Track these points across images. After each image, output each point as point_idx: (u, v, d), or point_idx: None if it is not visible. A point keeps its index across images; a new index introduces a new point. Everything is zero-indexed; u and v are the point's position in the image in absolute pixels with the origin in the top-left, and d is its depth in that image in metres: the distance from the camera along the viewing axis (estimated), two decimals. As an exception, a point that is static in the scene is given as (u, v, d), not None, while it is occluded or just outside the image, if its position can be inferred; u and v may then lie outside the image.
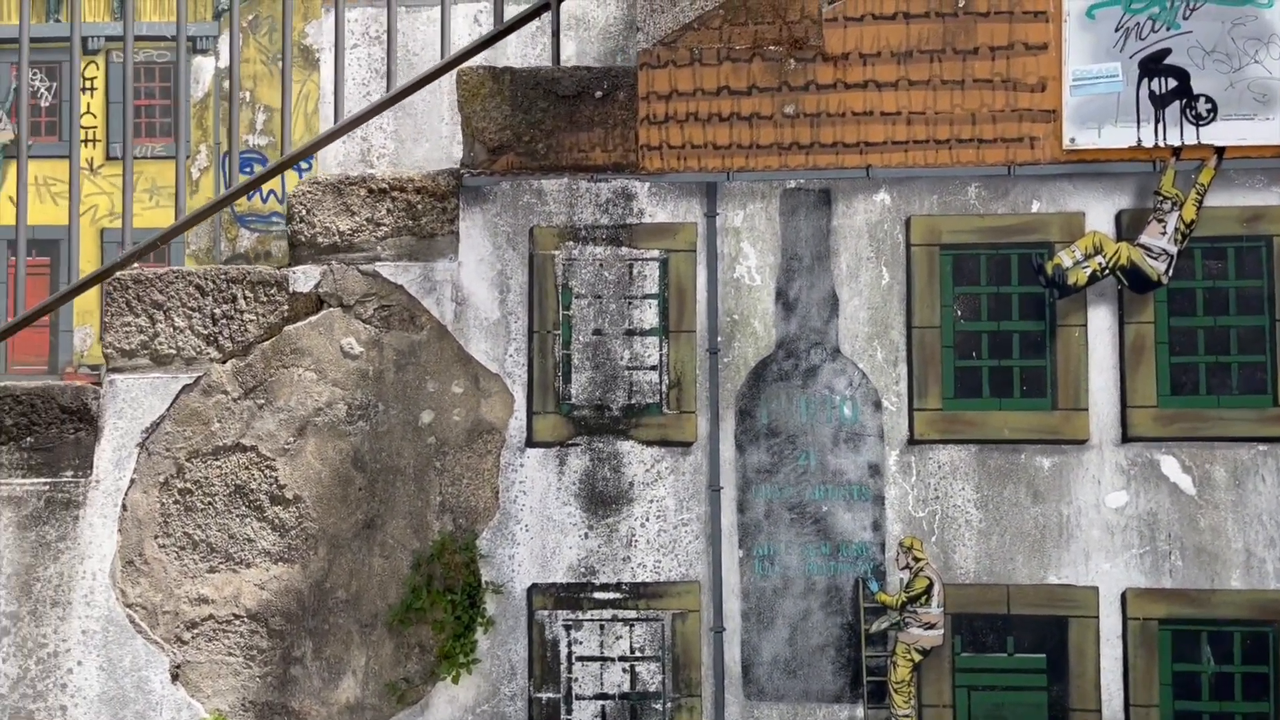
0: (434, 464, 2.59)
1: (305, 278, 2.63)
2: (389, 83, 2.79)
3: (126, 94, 2.72)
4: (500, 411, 2.59)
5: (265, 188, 5.48)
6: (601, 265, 2.59)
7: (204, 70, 5.26)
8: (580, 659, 2.54)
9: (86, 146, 5.42)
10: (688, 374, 2.56)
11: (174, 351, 2.63)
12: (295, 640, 2.58)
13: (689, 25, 2.58)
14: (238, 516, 2.60)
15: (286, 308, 2.63)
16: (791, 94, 2.56)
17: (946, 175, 2.54)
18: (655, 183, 2.59)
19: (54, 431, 2.62)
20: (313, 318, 2.63)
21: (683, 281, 2.58)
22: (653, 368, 2.57)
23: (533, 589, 2.56)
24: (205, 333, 2.63)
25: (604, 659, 2.54)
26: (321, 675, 2.57)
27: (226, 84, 5.26)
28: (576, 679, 2.53)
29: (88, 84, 5.86)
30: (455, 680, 2.50)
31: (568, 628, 2.54)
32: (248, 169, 5.13)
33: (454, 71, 2.73)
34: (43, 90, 5.63)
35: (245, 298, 2.63)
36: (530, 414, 2.58)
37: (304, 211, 2.63)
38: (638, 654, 2.53)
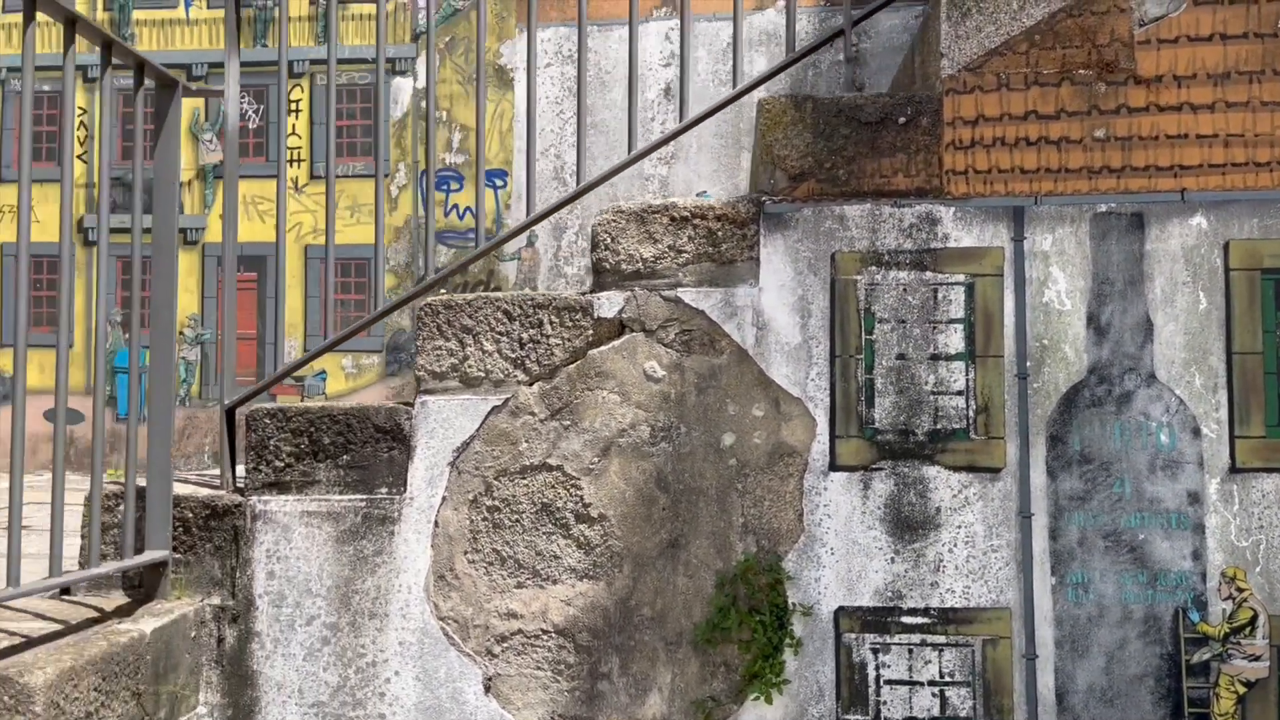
0: (735, 486, 2.64)
1: (609, 304, 2.70)
2: (681, 111, 2.85)
3: (380, 118, 2.82)
4: (801, 435, 2.63)
5: (462, 205, 5.63)
6: (905, 290, 2.61)
7: (402, 91, 5.44)
8: (888, 682, 2.56)
9: (292, 166, 5.67)
10: (995, 399, 2.57)
11: (483, 374, 2.73)
12: (602, 656, 2.66)
13: (995, 51, 2.58)
14: (544, 534, 2.69)
15: (591, 332, 2.71)
16: (1101, 118, 2.55)
17: (1268, 198, 2.50)
18: (960, 207, 2.60)
19: (369, 450, 2.74)
20: (615, 342, 2.70)
21: (989, 306, 2.58)
22: (959, 393, 2.58)
23: (839, 612, 2.58)
24: (513, 356, 2.72)
25: (913, 683, 2.55)
26: (628, 691, 2.64)
27: (424, 104, 5.45)
28: (885, 702, 2.55)
29: (293, 106, 6.12)
30: (769, 700, 2.55)
31: (875, 651, 2.56)
32: (444, 186, 5.28)
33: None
34: (250, 113, 5.89)
35: (551, 323, 2.71)
36: (833, 438, 2.61)
37: (608, 239, 2.71)
38: (947, 679, 2.54)
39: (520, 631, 2.68)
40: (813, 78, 4.85)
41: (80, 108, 5.64)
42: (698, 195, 5.48)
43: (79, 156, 5.70)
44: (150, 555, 2.65)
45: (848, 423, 2.60)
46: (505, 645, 2.68)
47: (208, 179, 6.47)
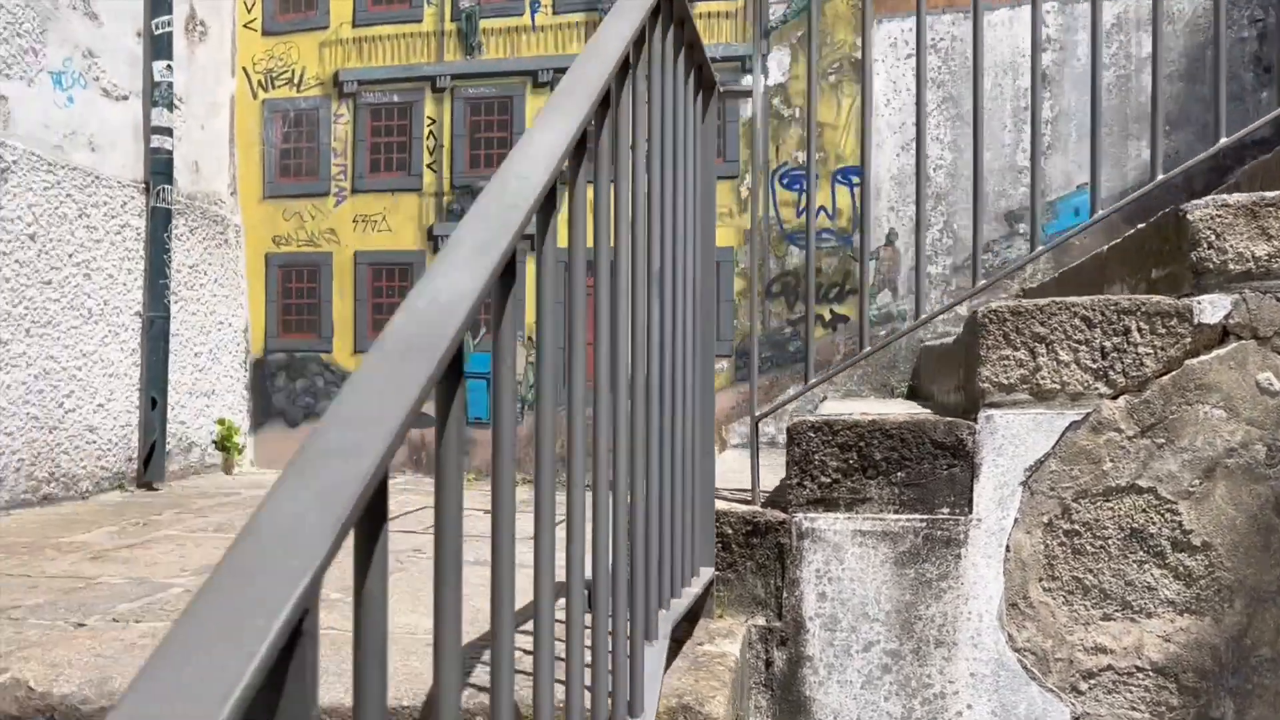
0: (1376, 514, 2.33)
1: (1213, 308, 2.43)
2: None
3: (758, 118, 2.62)
4: None
5: (816, 204, 5.44)
6: None
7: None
8: None
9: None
10: None
11: (1057, 386, 2.51)
12: (1212, 699, 2.39)
13: None
14: (1134, 562, 2.44)
15: (1189, 340, 2.44)
16: None
17: None
18: None
19: (925, 467, 2.57)
20: (1219, 351, 2.43)
21: None
22: None
23: None
24: (1093, 366, 2.49)
25: None
26: (1246, 741, 2.37)
27: (775, 101, 5.25)
28: None
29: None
30: None
31: None
32: (797, 186, 5.10)
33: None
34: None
35: (1139, 330, 2.47)
36: None
37: (1212, 237, 2.44)
38: None
39: (1110, 668, 2.45)
40: (1211, 55, 4.45)
41: (429, 117, 5.78)
42: (1078, 188, 5.13)
43: (429, 165, 5.84)
44: (704, 573, 2.56)
45: None
46: (1093, 682, 2.45)
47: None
